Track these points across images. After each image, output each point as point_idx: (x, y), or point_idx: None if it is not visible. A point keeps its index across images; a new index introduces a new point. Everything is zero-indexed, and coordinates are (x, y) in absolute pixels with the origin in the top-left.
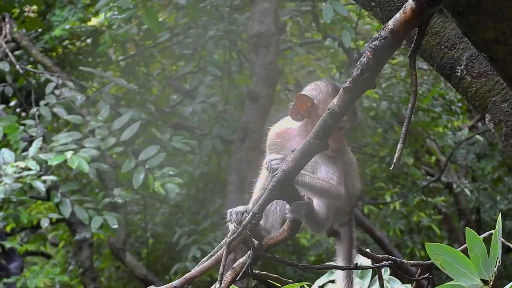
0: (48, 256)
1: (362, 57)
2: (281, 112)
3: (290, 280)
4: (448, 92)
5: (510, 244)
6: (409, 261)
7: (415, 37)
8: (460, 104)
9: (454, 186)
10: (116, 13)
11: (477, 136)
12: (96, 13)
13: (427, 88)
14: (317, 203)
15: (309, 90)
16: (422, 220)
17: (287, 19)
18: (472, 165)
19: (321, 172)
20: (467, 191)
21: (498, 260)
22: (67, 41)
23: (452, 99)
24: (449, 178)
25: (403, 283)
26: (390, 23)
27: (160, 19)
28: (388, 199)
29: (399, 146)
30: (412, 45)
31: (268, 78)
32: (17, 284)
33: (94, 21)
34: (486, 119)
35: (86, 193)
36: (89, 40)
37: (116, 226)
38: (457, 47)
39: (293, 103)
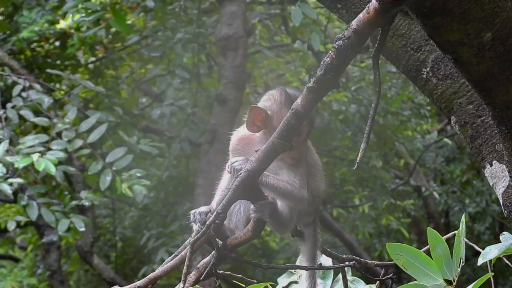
0: (16, 260)
1: (325, 57)
2: None
3: (254, 281)
4: (417, 96)
5: (473, 245)
6: (373, 261)
7: (379, 37)
8: (429, 108)
9: (423, 189)
10: (83, 15)
11: (446, 140)
12: (64, 15)
13: (396, 91)
14: (281, 205)
15: (263, 101)
16: (391, 224)
17: (256, 23)
18: (441, 168)
19: (283, 175)
20: (436, 194)
21: (462, 260)
22: (35, 44)
23: (421, 103)
24: (418, 182)
25: (368, 283)
26: (354, 23)
27: (129, 22)
28: (357, 202)
29: (362, 145)
30: (376, 45)
31: (236, 81)
32: None
33: (62, 24)
34: (452, 121)
35: (55, 196)
36: (57, 43)
37: (83, 229)
38: (423, 49)
39: (247, 115)
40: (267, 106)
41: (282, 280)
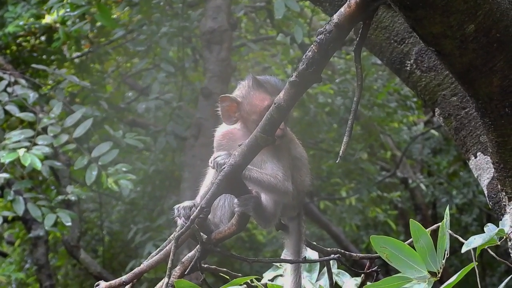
0: (4, 255)
1: (307, 51)
2: None
3: (239, 274)
4: (403, 88)
5: (458, 237)
6: (358, 254)
7: (360, 31)
8: (415, 99)
9: (410, 181)
10: (68, 9)
11: (433, 131)
12: (50, 10)
13: (382, 83)
14: (265, 199)
15: (235, 91)
16: (378, 216)
17: (242, 16)
18: (427, 160)
19: (267, 169)
20: (422, 186)
21: (446, 252)
22: (21, 39)
23: (407, 94)
24: (405, 173)
25: (354, 276)
26: (335, 17)
27: (114, 16)
28: (344, 194)
29: (345, 140)
30: (357, 39)
31: (221, 75)
32: None
33: (48, 19)
34: (436, 113)
35: (41, 191)
36: (43, 37)
37: (69, 224)
38: (406, 42)
39: (219, 106)
40: (237, 95)
41: (268, 274)
